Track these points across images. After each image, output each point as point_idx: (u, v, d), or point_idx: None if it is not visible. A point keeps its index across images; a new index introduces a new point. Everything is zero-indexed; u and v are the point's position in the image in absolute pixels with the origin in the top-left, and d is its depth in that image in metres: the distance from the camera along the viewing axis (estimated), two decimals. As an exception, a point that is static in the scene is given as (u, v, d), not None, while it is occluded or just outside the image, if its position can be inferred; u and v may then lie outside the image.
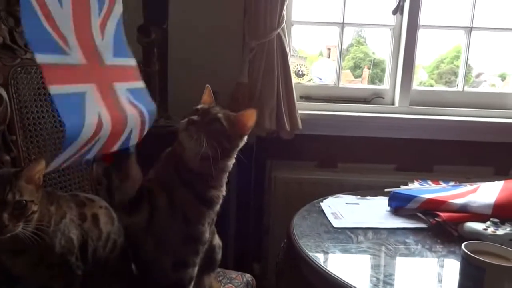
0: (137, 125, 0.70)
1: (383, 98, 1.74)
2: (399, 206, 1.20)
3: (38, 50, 0.52)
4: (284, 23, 1.51)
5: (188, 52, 1.64)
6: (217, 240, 0.94)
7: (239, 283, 1.07)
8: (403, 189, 1.30)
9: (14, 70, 0.93)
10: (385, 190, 1.30)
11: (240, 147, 0.84)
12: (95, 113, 0.60)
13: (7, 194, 0.63)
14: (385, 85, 1.76)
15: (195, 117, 0.78)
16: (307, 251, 0.96)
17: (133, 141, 0.72)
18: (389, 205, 1.22)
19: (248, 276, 1.11)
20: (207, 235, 0.84)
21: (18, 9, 0.96)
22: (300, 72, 1.81)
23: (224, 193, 0.86)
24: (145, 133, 0.74)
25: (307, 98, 1.73)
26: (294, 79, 1.65)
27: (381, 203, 1.27)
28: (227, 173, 0.86)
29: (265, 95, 1.50)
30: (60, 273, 0.74)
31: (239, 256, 1.69)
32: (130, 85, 0.70)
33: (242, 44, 1.60)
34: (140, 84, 0.73)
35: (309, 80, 1.84)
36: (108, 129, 0.62)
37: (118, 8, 0.70)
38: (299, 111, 1.56)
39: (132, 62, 0.73)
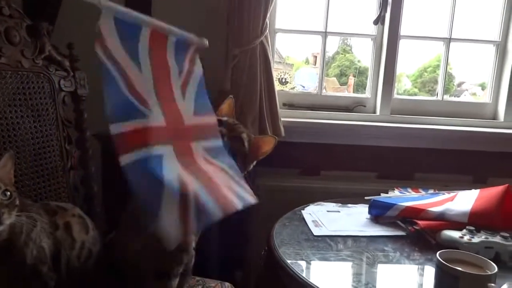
0: (230, 180, 0.68)
1: (365, 106, 1.76)
2: (379, 214, 1.21)
3: (120, 118, 0.53)
4: (267, 31, 1.52)
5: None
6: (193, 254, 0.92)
7: (218, 292, 1.05)
8: (383, 197, 1.32)
9: (-12, 75, 0.91)
10: (366, 198, 1.31)
11: (248, 170, 0.84)
12: (174, 173, 0.58)
13: None
14: (367, 94, 1.78)
15: (222, 129, 0.77)
16: (286, 260, 0.95)
17: (247, 200, 0.69)
18: (369, 213, 1.23)
19: (228, 285, 1.10)
20: (193, 245, 0.83)
21: (-7, 13, 0.94)
22: (283, 80, 1.82)
23: None
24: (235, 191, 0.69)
25: (290, 105, 1.73)
26: (277, 87, 1.66)
27: (362, 211, 1.28)
28: None
29: (248, 102, 1.50)
30: (32, 286, 0.72)
31: (221, 263, 1.68)
32: (208, 142, 0.70)
33: (225, 51, 1.60)
34: (218, 140, 0.72)
35: (293, 88, 1.85)
36: (197, 183, 0.60)
37: (198, 69, 0.71)
38: (282, 119, 1.57)
39: (211, 118, 0.73)
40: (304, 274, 0.90)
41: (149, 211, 0.54)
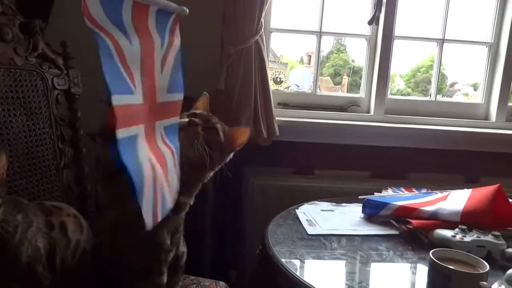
0: (173, 166, 0.67)
1: (359, 106, 1.77)
2: (372, 213, 1.21)
3: (115, 91, 0.50)
4: (262, 30, 1.52)
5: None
6: (182, 248, 0.93)
7: (213, 291, 1.05)
8: (376, 196, 1.32)
9: (-20, 73, 0.90)
10: (359, 197, 1.32)
11: (225, 162, 0.85)
12: (145, 155, 0.57)
13: None
14: (361, 94, 1.79)
15: (197, 120, 0.78)
16: (280, 259, 0.96)
17: (175, 186, 0.68)
18: (362, 212, 1.24)
19: (222, 284, 1.10)
20: (168, 242, 0.82)
21: (-15, 10, 0.93)
22: (278, 79, 1.82)
23: (191, 202, 0.85)
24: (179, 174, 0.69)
25: (284, 105, 1.74)
26: (272, 86, 1.66)
27: (355, 210, 1.28)
28: (201, 185, 0.86)
29: (243, 101, 1.51)
30: (27, 285, 0.71)
31: (215, 263, 1.68)
32: (167, 121, 0.68)
33: (220, 50, 1.60)
34: (177, 119, 0.71)
35: (287, 87, 1.86)
36: (160, 170, 0.60)
37: (178, 40, 0.69)
38: (277, 118, 1.57)
39: (180, 96, 0.70)
40: (298, 273, 0.90)
41: (135, 188, 0.53)
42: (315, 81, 1.75)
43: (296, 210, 1.29)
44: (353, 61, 2.00)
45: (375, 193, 1.38)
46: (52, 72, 1.08)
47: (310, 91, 1.77)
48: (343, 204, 1.35)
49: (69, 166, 1.11)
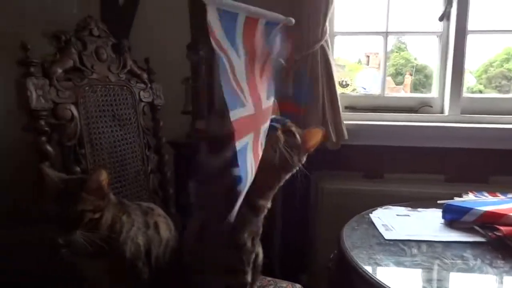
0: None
1: (431, 106, 1.69)
2: (454, 218, 1.16)
3: (232, 106, 0.54)
4: (327, 34, 1.53)
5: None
6: (258, 249, 0.95)
7: (290, 293, 1.08)
8: (457, 201, 1.26)
9: (83, 89, 1.02)
10: (438, 202, 1.26)
11: (302, 163, 0.86)
12: (251, 163, 0.61)
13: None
14: (433, 93, 1.71)
15: (277, 125, 0.79)
16: (360, 263, 0.95)
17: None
18: (443, 217, 1.18)
19: (298, 286, 1.12)
20: (249, 244, 0.85)
21: (85, 34, 1.05)
22: (344, 82, 1.81)
23: (269, 205, 0.87)
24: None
25: (352, 108, 1.72)
26: (339, 90, 1.65)
27: (434, 215, 1.23)
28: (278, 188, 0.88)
29: (310, 106, 1.51)
30: (128, 278, 0.79)
31: (284, 267, 1.70)
32: (266, 124, 0.72)
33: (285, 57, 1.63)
34: (268, 122, 0.73)
35: (353, 90, 1.84)
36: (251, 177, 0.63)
37: (279, 49, 0.72)
38: (345, 122, 1.56)
39: (272, 101, 0.74)
40: (381, 279, 0.89)
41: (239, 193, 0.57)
42: (383, 82, 1.71)
43: (370, 215, 1.27)
44: (415, 59, 1.92)
45: (455, 197, 1.31)
46: (139, 86, 1.19)
47: (378, 93, 1.73)
48: (420, 209, 1.30)
49: (154, 172, 1.21)
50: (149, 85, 1.22)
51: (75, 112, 0.98)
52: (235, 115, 0.55)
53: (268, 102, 0.72)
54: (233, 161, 0.55)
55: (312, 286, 1.63)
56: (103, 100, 1.07)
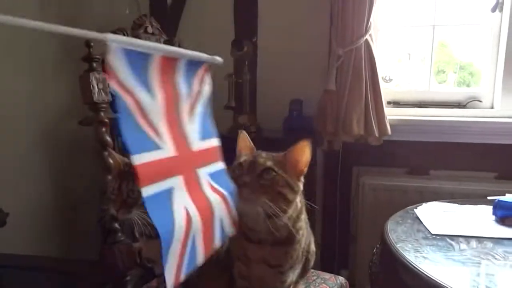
0: (224, 212, 0.65)
1: (481, 101, 1.63)
2: (506, 215, 1.12)
3: (135, 151, 0.50)
4: (371, 29, 1.51)
5: (275, 62, 1.72)
6: (312, 248, 0.91)
7: (333, 285, 1.09)
8: (509, 197, 1.21)
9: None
10: (488, 198, 1.22)
11: (302, 181, 0.74)
12: (182, 207, 0.56)
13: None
14: (483, 88, 1.65)
15: (246, 179, 0.68)
16: (406, 256, 0.95)
17: (228, 230, 0.66)
18: (493, 213, 1.14)
19: (341, 279, 1.12)
20: (292, 277, 0.81)
21: (141, 32, 1.12)
22: (387, 77, 1.78)
23: (300, 204, 0.77)
24: (235, 217, 0.67)
25: (395, 103, 1.69)
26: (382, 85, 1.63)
27: (483, 211, 1.19)
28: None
29: (353, 101, 1.51)
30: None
31: (325, 262, 1.71)
32: (211, 167, 0.65)
33: (328, 51, 1.64)
34: (220, 164, 0.68)
35: (396, 86, 1.80)
36: (198, 222, 0.58)
37: (207, 89, 0.67)
38: (388, 117, 1.54)
39: (215, 142, 0.68)
40: (427, 271, 0.88)
41: (163, 247, 0.52)
42: (430, 76, 1.67)
43: (415, 210, 1.25)
44: (459, 56, 1.85)
45: (506, 194, 1.26)
46: (188, 81, 1.24)
47: (423, 88, 1.70)
48: (467, 206, 1.26)
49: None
50: (197, 80, 1.27)
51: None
52: (141, 158, 0.51)
53: (207, 143, 0.66)
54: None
55: (353, 282, 1.62)
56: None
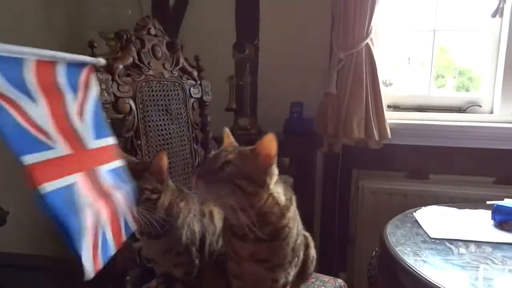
0: (125, 208, 0.69)
1: (481, 106, 1.64)
2: (504, 220, 1.12)
3: (22, 152, 0.51)
4: (372, 33, 1.52)
5: (276, 64, 1.73)
6: (312, 253, 0.91)
7: (332, 287, 1.09)
8: (508, 201, 1.21)
9: (140, 85, 1.09)
10: (487, 202, 1.23)
11: (274, 174, 0.72)
12: (86, 204, 0.58)
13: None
14: (482, 93, 1.66)
15: (202, 171, 0.70)
16: (405, 259, 0.95)
17: (132, 226, 0.71)
18: (492, 218, 1.15)
19: (340, 281, 1.13)
20: (289, 278, 0.81)
21: (144, 33, 1.13)
22: (387, 82, 1.79)
23: (285, 202, 0.75)
24: (135, 214, 0.72)
25: (395, 107, 1.70)
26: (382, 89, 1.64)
27: (482, 216, 1.20)
28: (277, 188, 0.74)
29: (353, 104, 1.52)
30: (182, 262, 0.85)
31: (324, 264, 1.71)
32: (110, 165, 0.69)
33: (329, 55, 1.65)
34: (118, 162, 0.71)
35: (396, 90, 1.81)
36: (104, 216, 0.62)
37: (94, 90, 0.69)
38: (388, 121, 1.55)
39: (112, 140, 0.71)
40: (426, 274, 0.88)
41: (69, 240, 0.54)
42: (430, 80, 1.68)
43: (414, 214, 1.25)
44: (458, 61, 1.86)
45: (505, 199, 1.27)
46: (190, 83, 1.25)
47: (423, 92, 1.70)
48: (467, 210, 1.27)
49: (200, 165, 1.27)
50: (198, 81, 1.28)
51: (133, 106, 1.05)
52: (32, 159, 0.52)
53: (102, 142, 0.69)
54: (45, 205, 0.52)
55: (351, 285, 1.63)
56: (158, 95, 1.14)
